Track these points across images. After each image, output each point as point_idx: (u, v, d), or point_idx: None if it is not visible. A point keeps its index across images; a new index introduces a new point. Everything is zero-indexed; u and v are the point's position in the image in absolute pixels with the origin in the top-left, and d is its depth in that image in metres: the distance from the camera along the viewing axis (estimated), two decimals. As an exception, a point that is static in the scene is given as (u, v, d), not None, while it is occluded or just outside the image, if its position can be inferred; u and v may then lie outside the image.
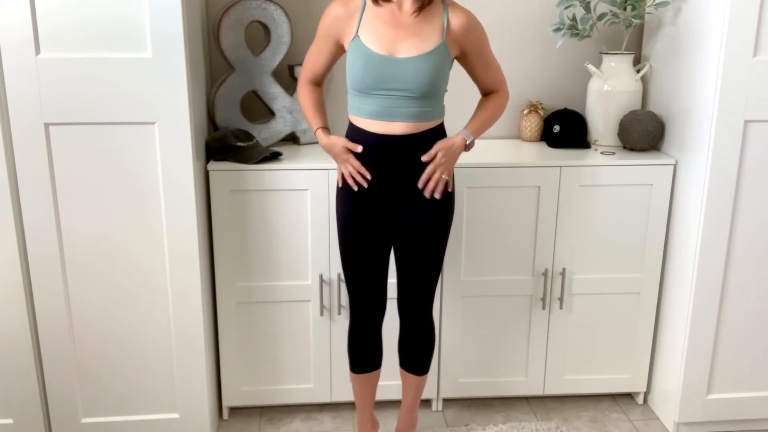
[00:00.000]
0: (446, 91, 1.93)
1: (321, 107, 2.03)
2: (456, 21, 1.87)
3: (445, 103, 1.96)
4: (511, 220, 2.36)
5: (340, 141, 1.93)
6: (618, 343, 2.53)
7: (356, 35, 1.85)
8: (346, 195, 1.97)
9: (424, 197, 1.94)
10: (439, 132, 1.94)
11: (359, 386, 2.22)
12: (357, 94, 1.89)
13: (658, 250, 2.43)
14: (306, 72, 2.02)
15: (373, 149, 1.89)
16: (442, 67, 1.85)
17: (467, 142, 1.95)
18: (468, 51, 1.91)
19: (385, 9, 1.86)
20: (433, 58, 1.82)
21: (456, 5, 1.90)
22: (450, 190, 1.99)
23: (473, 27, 1.89)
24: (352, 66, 1.86)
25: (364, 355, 2.16)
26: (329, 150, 1.97)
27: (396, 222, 1.97)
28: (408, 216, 1.95)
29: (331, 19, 1.90)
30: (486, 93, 2.03)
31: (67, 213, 2.08)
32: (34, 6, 1.91)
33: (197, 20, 2.24)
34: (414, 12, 1.84)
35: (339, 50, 1.95)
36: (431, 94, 1.86)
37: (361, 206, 1.95)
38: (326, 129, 2.00)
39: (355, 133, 1.92)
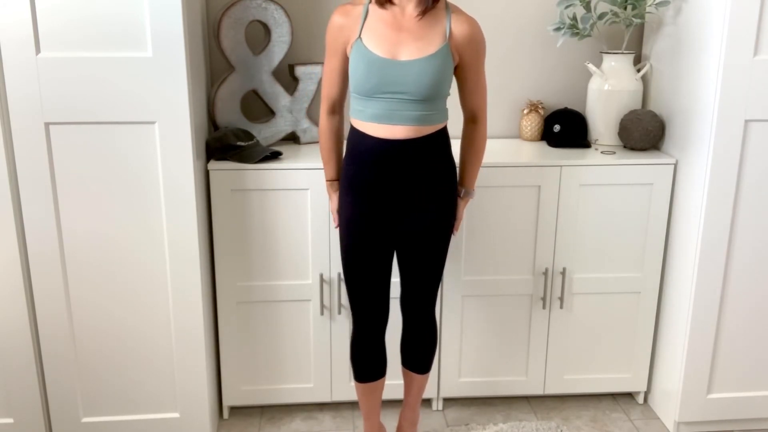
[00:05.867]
0: (449, 94, 1.91)
1: (336, 152, 2.02)
2: (458, 28, 1.85)
3: (448, 106, 1.94)
4: (511, 219, 2.36)
5: (334, 207, 2.06)
6: (618, 343, 2.53)
7: (359, 38, 1.84)
8: (348, 200, 1.96)
9: (428, 202, 1.93)
10: (441, 136, 1.92)
11: (364, 395, 2.19)
12: (359, 97, 1.87)
13: (658, 249, 2.43)
14: (324, 99, 1.98)
15: (376, 154, 1.88)
16: (444, 71, 1.83)
17: (472, 198, 2.11)
18: (465, 61, 1.88)
19: (388, 13, 1.85)
20: (435, 61, 1.81)
21: (460, 12, 1.88)
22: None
23: (475, 37, 1.87)
24: (354, 69, 1.85)
25: (368, 365, 2.13)
26: (329, 196, 2.10)
27: (399, 226, 1.96)
28: (412, 220, 1.95)
29: (335, 31, 1.88)
30: (468, 116, 2.00)
31: (67, 212, 2.08)
32: (34, 6, 1.91)
33: (197, 20, 2.24)
34: (417, 16, 1.83)
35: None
36: (433, 97, 1.84)
37: (364, 211, 1.94)
38: (336, 182, 2.04)
39: (357, 138, 1.91)
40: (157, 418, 2.30)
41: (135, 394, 2.28)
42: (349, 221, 1.98)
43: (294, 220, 2.30)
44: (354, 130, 1.92)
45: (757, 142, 2.18)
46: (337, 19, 1.88)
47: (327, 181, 2.07)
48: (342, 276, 2.33)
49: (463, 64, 1.89)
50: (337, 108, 2.00)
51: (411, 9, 1.84)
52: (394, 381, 2.37)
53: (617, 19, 2.46)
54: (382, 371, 2.16)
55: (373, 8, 1.86)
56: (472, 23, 1.87)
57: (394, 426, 2.39)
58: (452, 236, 2.06)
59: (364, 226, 1.96)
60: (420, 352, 2.17)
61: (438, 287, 2.09)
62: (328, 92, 1.97)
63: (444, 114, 1.92)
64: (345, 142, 2.00)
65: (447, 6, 1.88)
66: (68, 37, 1.94)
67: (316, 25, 2.53)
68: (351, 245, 1.99)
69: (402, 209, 1.94)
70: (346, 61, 1.90)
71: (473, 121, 2.00)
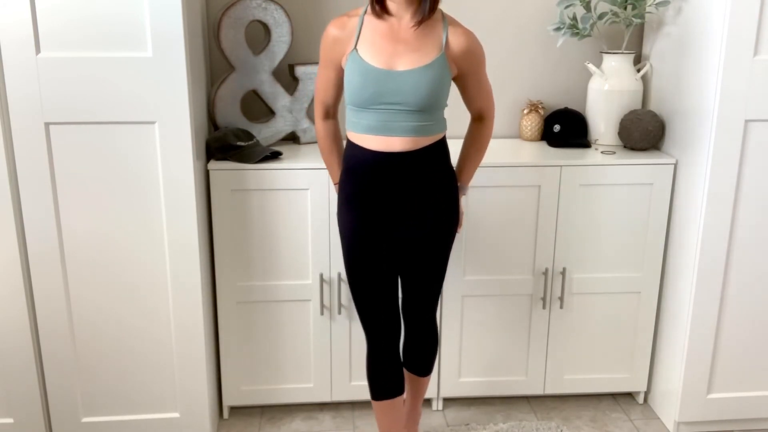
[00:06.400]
0: (447, 105, 1.89)
1: (338, 154, 2.00)
2: (455, 41, 1.83)
3: (448, 107, 1.93)
4: (511, 219, 2.36)
5: None
6: (618, 343, 2.53)
7: (354, 49, 1.82)
8: (347, 213, 1.94)
9: (427, 211, 1.92)
10: (439, 148, 1.89)
11: (384, 414, 2.12)
12: (355, 108, 1.85)
13: (658, 249, 2.43)
14: (318, 105, 1.98)
15: (373, 167, 1.85)
16: (440, 81, 1.81)
17: (464, 194, 2.07)
18: (464, 72, 1.87)
19: (384, 24, 1.82)
20: (431, 71, 1.79)
21: (457, 24, 1.86)
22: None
23: (472, 50, 1.85)
24: (350, 80, 1.82)
25: (386, 380, 2.07)
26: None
27: (400, 237, 1.94)
28: (411, 230, 1.93)
29: (330, 43, 1.86)
30: (474, 116, 2.01)
31: (67, 212, 2.08)
32: (34, 6, 1.91)
33: (197, 20, 2.24)
34: (414, 25, 1.80)
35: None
36: (430, 107, 1.82)
37: (364, 224, 1.92)
38: None
39: (353, 151, 1.88)
40: (157, 418, 2.30)
41: (135, 394, 2.28)
42: (349, 234, 1.95)
43: (294, 220, 2.30)
44: (350, 144, 1.90)
45: (757, 142, 2.18)
46: (332, 32, 1.86)
47: (335, 184, 2.04)
48: (342, 277, 2.34)
49: (462, 74, 1.88)
50: (331, 113, 1.99)
51: (408, 19, 1.81)
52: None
53: (617, 19, 2.46)
54: (401, 387, 2.10)
55: (369, 19, 1.84)
56: (469, 36, 1.85)
57: (394, 426, 2.40)
58: (457, 233, 2.04)
59: (366, 239, 1.93)
60: (421, 356, 2.16)
61: (439, 294, 2.08)
62: (322, 99, 1.96)
63: (442, 124, 1.90)
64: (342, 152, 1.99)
65: (444, 17, 1.86)
66: (68, 37, 1.95)
67: (316, 25, 2.53)
68: (353, 258, 1.97)
69: (401, 220, 1.92)
70: (340, 72, 1.89)
71: (479, 119, 2.00)
